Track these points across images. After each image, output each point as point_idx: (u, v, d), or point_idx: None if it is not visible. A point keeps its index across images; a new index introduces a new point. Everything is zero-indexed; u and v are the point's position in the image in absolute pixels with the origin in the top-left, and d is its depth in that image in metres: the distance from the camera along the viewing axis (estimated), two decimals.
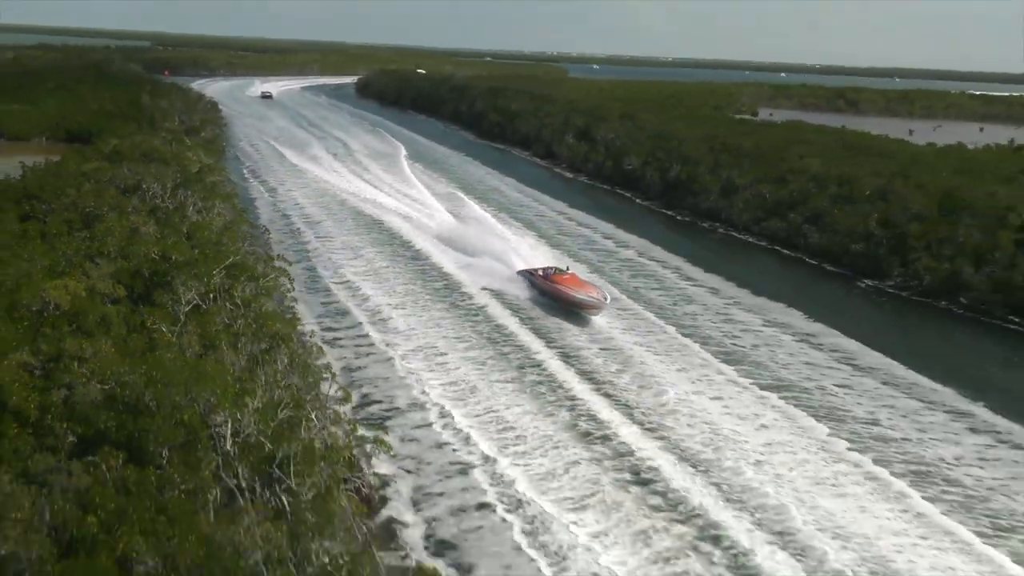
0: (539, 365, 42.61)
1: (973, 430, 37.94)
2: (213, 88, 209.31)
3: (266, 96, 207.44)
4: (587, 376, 41.65)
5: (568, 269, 53.58)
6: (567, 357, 44.00)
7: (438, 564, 25.56)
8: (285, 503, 22.88)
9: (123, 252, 42.31)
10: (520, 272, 54.43)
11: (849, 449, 35.47)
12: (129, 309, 35.64)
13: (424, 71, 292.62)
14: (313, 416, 29.34)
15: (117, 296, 36.59)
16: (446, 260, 60.14)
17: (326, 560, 19.83)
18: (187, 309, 35.50)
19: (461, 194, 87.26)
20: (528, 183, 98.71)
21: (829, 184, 73.21)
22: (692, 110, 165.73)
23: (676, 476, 31.95)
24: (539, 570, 26.09)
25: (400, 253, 62.90)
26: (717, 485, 31.66)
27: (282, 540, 20.42)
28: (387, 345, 44.07)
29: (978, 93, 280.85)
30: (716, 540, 28.25)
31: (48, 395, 27.75)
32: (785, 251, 70.84)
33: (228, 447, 25.11)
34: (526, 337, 46.44)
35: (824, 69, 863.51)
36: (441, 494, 30.28)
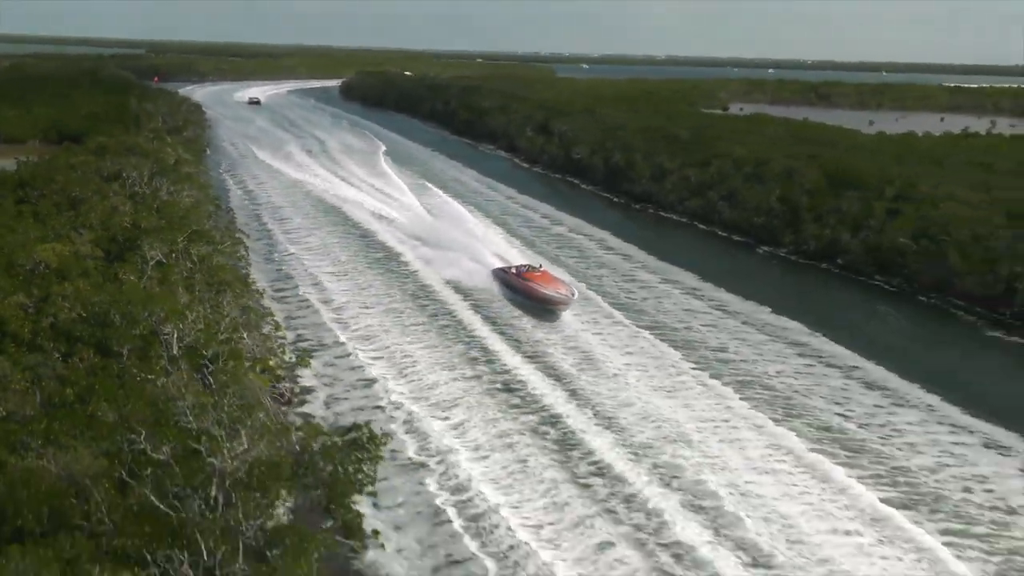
0: (449, 313, 51.44)
1: (801, 355, 46.53)
2: (201, 93, 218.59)
3: (254, 102, 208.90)
4: (476, 308, 51.01)
5: (540, 267, 55.92)
6: (468, 306, 52.79)
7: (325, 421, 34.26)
8: (212, 381, 31.52)
9: (103, 225, 51.07)
10: (495, 271, 56.46)
11: (693, 368, 44.03)
12: (105, 265, 44.32)
13: (410, 73, 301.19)
14: (246, 336, 38.05)
15: (96, 256, 45.29)
16: (389, 236, 68.79)
17: (234, 409, 28.39)
18: (152, 264, 44.15)
19: (424, 182, 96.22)
20: (487, 173, 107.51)
21: (746, 167, 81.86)
22: (662, 105, 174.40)
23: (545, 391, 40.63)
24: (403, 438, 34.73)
25: (350, 233, 71.75)
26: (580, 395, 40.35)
27: (206, 398, 29.06)
28: (322, 303, 52.75)
29: (951, 85, 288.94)
30: (554, 422, 36.93)
31: (39, 322, 36.47)
32: (702, 226, 79.71)
33: (175, 351, 33.76)
34: (437, 288, 55.43)
35: (816, 64, 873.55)
36: (347, 399, 38.97)
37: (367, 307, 52.23)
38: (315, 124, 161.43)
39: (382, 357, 43.95)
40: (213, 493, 23.51)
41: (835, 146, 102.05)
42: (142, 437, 24.34)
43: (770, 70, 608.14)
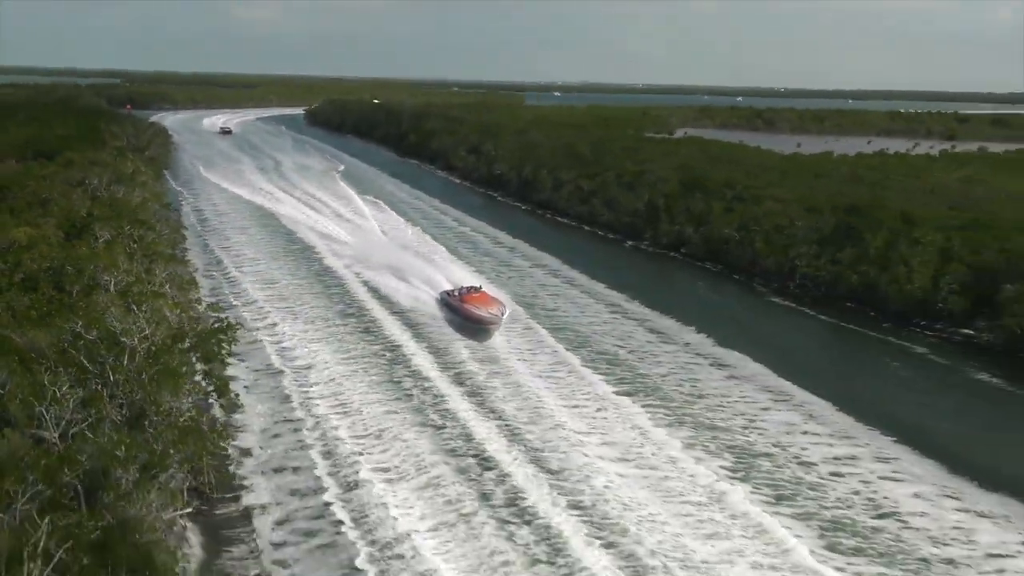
0: (345, 292, 65.30)
1: (613, 312, 60.37)
2: (171, 120, 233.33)
3: (225, 132, 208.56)
4: (366, 286, 64.54)
5: (480, 288, 58.26)
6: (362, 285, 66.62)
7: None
8: (135, 307, 45.18)
9: (65, 216, 64.79)
10: (440, 294, 58.92)
11: (542, 328, 56.95)
12: (64, 241, 58.03)
13: (378, 100, 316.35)
14: (168, 289, 51.84)
15: (57, 236, 59.01)
16: (313, 237, 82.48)
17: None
18: (102, 241, 57.88)
19: (365, 194, 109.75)
20: (420, 188, 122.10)
21: (625, 177, 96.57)
22: (607, 130, 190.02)
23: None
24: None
25: (279, 232, 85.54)
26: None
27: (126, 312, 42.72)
28: (246, 281, 66.51)
29: (891, 111, 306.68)
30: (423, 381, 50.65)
31: (12, 277, 50.13)
32: (586, 227, 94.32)
33: (111, 290, 47.45)
34: (341, 273, 69.23)
35: (788, 92, 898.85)
36: (256, 341, 52.63)
37: (274, 281, 66.02)
38: (274, 147, 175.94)
39: (286, 320, 57.15)
40: (125, 361, 37.18)
41: (737, 163, 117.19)
42: (79, 326, 37.96)
43: (739, 98, 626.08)
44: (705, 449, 37.69)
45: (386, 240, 79.43)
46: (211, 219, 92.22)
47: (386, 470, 35.19)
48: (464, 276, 66.10)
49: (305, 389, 43.87)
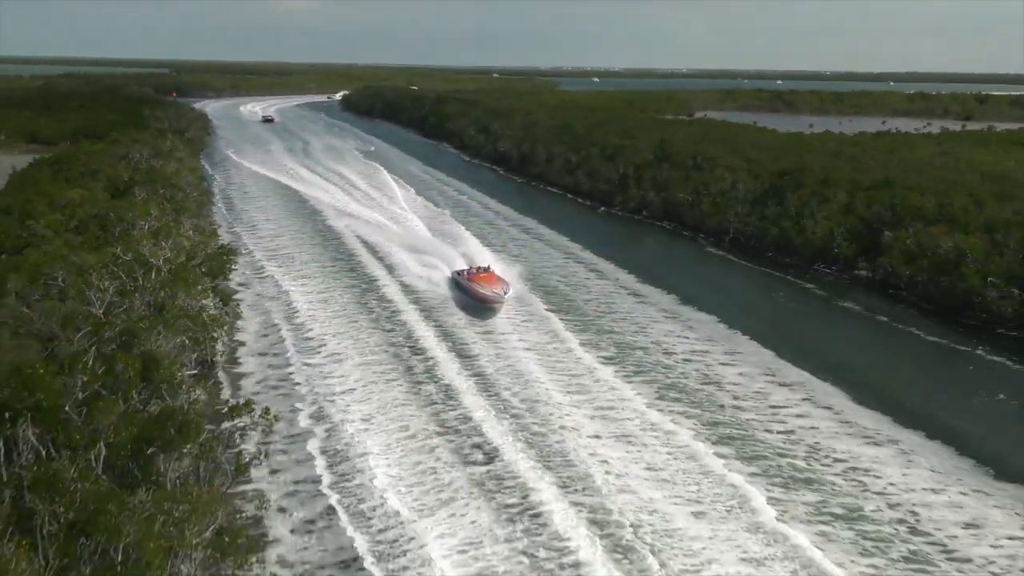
0: (344, 247, 77.83)
1: (573, 261, 71.94)
2: (212, 106, 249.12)
3: (267, 120, 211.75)
4: (384, 264, 76.95)
5: (488, 267, 61.04)
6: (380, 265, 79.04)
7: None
8: (164, 244, 58.17)
9: (110, 181, 78.31)
10: (453, 273, 61.87)
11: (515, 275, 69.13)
12: (109, 198, 71.40)
13: (415, 87, 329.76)
14: (191, 234, 64.85)
15: (104, 196, 72.44)
16: (330, 211, 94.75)
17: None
18: (139, 199, 71.12)
19: (378, 167, 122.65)
20: (431, 164, 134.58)
21: (609, 151, 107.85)
22: (625, 112, 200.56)
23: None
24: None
25: (295, 201, 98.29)
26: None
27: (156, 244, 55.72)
28: (254, 239, 79.35)
29: (911, 92, 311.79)
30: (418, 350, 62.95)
31: (68, 224, 63.50)
32: (570, 195, 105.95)
33: (144, 230, 60.52)
34: (349, 242, 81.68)
35: (834, 76, 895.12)
36: (261, 271, 65.43)
37: (286, 249, 78.78)
38: (306, 129, 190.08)
39: (295, 288, 69.66)
40: (152, 275, 50.03)
41: (733, 140, 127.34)
42: (118, 250, 50.87)
43: (779, 81, 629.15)
44: (622, 365, 47.14)
45: (392, 205, 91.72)
46: (236, 188, 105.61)
47: (339, 354, 47.66)
48: (450, 231, 78.55)
49: (295, 310, 56.44)
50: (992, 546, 29.82)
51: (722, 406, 41.23)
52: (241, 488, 31.96)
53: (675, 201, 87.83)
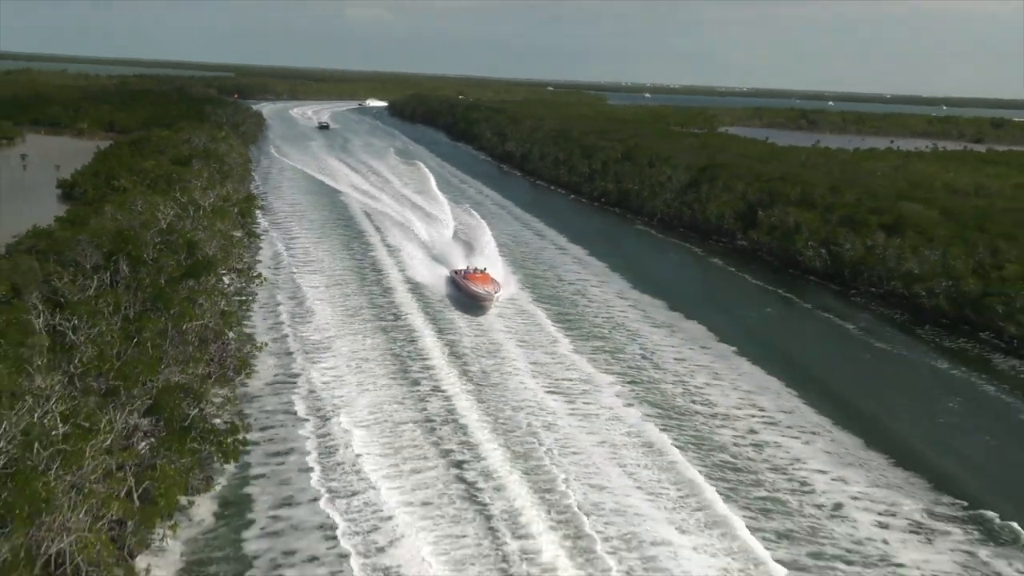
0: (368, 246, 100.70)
1: (542, 238, 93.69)
2: (269, 108, 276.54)
3: (323, 126, 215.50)
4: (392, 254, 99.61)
5: (484, 269, 64.94)
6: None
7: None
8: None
9: (174, 156, 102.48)
10: (451, 272, 66.57)
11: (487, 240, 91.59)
12: (175, 172, 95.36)
13: (463, 96, 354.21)
14: (233, 194, 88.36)
15: (170, 166, 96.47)
16: (354, 201, 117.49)
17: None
18: (195, 168, 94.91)
19: (412, 163, 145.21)
20: (448, 160, 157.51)
21: (590, 151, 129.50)
22: (651, 125, 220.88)
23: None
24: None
25: (321, 189, 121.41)
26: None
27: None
28: (278, 200, 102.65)
29: (932, 115, 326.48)
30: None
31: (143, 182, 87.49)
32: (552, 186, 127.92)
33: (197, 186, 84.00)
34: (359, 222, 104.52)
35: (895, 99, 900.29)
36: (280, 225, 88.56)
37: (303, 210, 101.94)
38: (350, 129, 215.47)
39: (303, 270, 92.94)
40: (200, 212, 73.18)
41: (722, 151, 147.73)
42: (177, 194, 74.19)
43: (830, 103, 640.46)
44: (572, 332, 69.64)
45: (405, 191, 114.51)
46: (275, 167, 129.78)
47: (326, 306, 70.14)
48: (445, 210, 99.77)
49: (303, 249, 79.16)
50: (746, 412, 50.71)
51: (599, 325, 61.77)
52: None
53: (625, 190, 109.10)
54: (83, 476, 25.42)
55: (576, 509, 32.75)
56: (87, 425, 27.99)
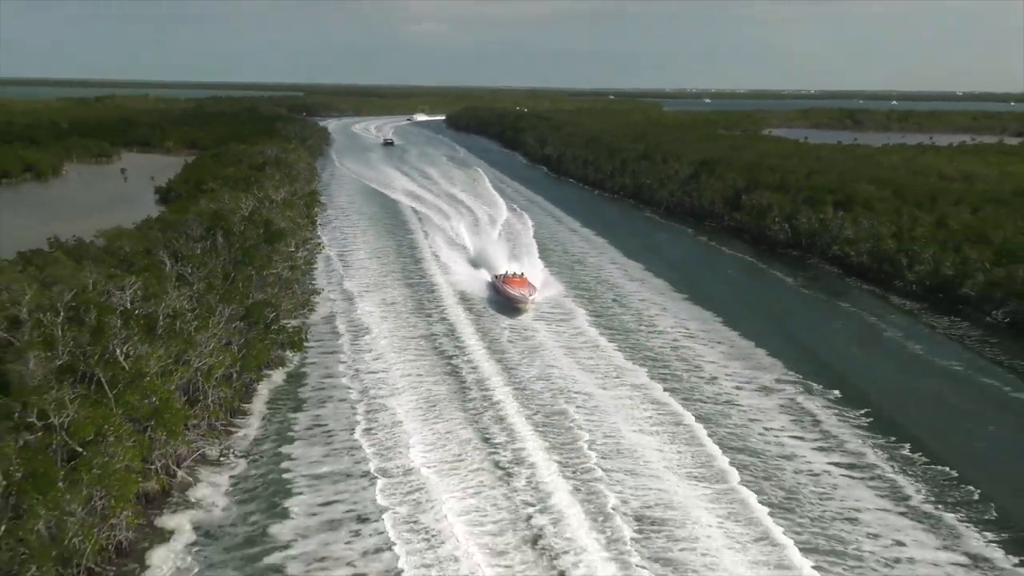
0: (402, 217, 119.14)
1: (562, 224, 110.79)
2: (334, 124, 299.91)
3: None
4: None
5: (522, 273, 68.66)
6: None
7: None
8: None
9: (251, 164, 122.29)
10: (492, 277, 70.66)
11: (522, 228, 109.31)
12: (252, 175, 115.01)
13: (520, 107, 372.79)
14: (299, 188, 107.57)
15: (247, 172, 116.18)
16: (404, 199, 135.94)
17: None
18: (268, 172, 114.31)
19: (457, 169, 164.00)
20: (492, 164, 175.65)
21: (615, 152, 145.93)
22: (697, 130, 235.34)
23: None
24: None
25: (374, 192, 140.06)
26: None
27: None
28: (339, 197, 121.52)
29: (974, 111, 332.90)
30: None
31: (226, 183, 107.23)
32: (580, 184, 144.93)
33: (269, 191, 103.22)
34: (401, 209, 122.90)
35: (967, 96, 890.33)
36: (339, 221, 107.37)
37: (360, 208, 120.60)
38: (409, 140, 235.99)
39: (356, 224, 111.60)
40: (274, 203, 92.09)
41: (746, 148, 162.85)
42: (256, 192, 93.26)
43: (893, 102, 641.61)
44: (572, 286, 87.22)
45: (453, 190, 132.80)
46: (338, 176, 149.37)
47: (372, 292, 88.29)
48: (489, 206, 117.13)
49: (351, 235, 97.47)
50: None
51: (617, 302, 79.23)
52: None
53: (639, 184, 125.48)
54: (209, 337, 43.31)
55: (575, 427, 41.91)
56: (207, 314, 46.04)
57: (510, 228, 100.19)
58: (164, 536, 32.47)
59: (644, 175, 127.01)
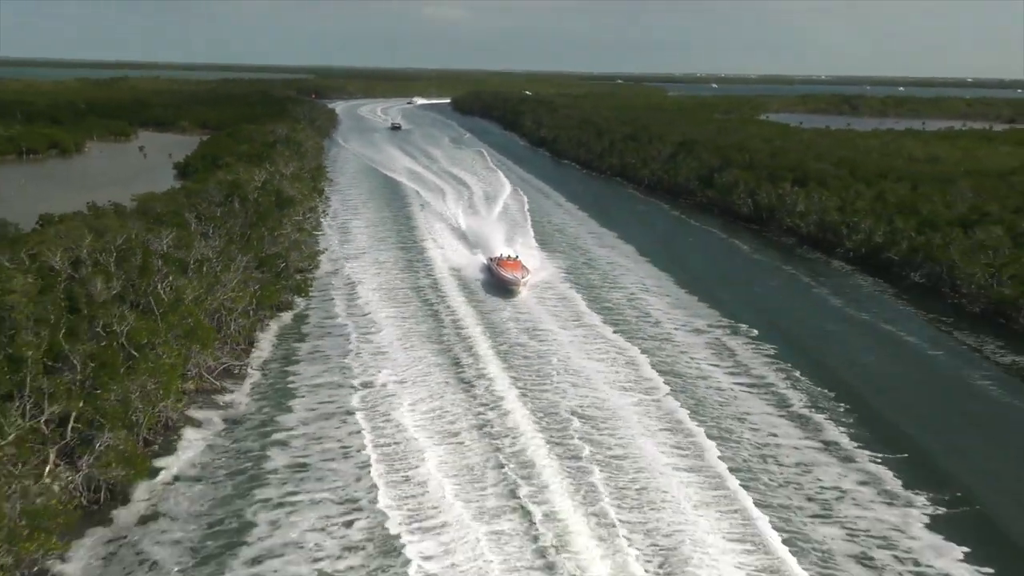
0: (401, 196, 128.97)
1: (550, 200, 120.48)
2: (342, 105, 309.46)
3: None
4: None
5: (516, 256, 72.00)
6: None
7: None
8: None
9: (263, 143, 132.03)
10: (486, 259, 73.56)
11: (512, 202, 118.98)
12: (264, 152, 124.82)
13: (529, 92, 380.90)
14: (307, 164, 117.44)
15: (258, 150, 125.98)
16: (406, 180, 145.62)
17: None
18: (278, 150, 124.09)
19: (457, 149, 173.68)
20: (489, 143, 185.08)
21: (603, 133, 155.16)
22: (697, 113, 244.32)
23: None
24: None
25: (376, 172, 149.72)
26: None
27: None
28: (340, 174, 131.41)
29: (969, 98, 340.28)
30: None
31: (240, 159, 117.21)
32: (572, 164, 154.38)
33: (280, 166, 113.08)
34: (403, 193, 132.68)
35: (976, 83, 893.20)
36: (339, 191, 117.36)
37: (360, 181, 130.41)
38: (413, 121, 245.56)
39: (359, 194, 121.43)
40: (282, 177, 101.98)
41: (734, 131, 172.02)
42: (267, 167, 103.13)
43: (900, 88, 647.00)
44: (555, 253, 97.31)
45: (453, 169, 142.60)
46: (342, 152, 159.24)
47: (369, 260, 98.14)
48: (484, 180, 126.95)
49: (351, 205, 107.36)
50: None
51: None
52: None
53: (624, 164, 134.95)
54: (231, 278, 53.19)
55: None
56: (229, 261, 55.95)
57: (500, 201, 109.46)
58: (198, 421, 42.25)
59: (629, 155, 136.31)
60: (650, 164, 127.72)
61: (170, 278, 48.78)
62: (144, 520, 33.36)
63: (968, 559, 31.86)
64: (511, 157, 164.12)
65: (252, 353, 51.63)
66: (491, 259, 71.83)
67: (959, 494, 36.29)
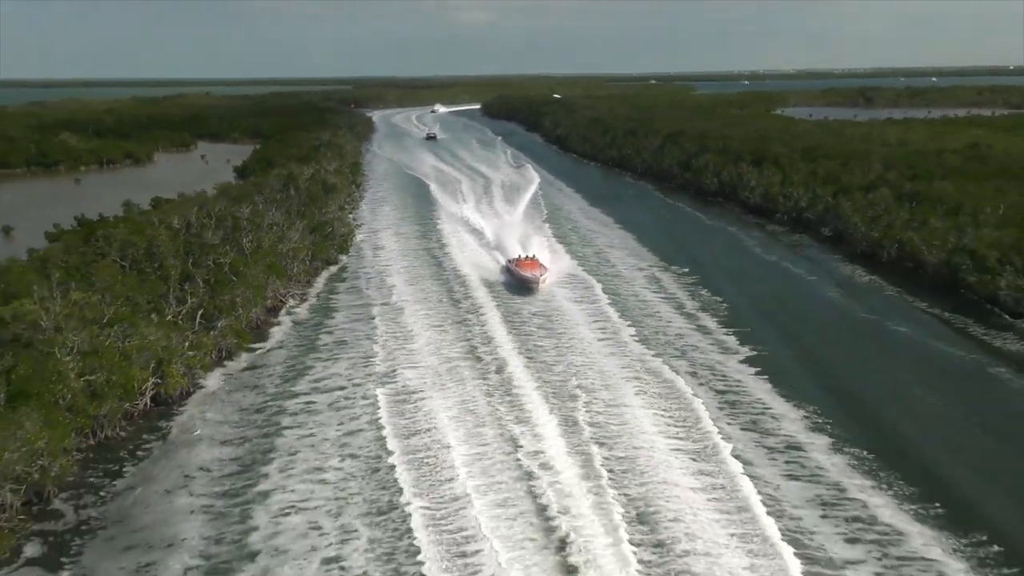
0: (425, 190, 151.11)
1: (553, 187, 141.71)
2: (379, 114, 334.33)
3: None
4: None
5: (533, 256, 75.47)
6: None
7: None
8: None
9: (306, 148, 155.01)
10: (506, 261, 76.74)
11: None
12: (311, 153, 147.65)
13: (558, 96, 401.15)
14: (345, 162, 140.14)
15: (302, 153, 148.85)
16: (434, 179, 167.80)
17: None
18: (321, 152, 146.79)
19: (483, 150, 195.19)
20: (511, 143, 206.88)
21: (608, 130, 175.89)
22: (715, 110, 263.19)
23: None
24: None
25: (405, 176, 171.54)
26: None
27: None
28: (375, 173, 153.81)
29: (980, 86, 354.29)
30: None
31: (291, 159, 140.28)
32: (580, 157, 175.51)
33: (323, 161, 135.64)
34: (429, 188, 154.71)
35: (1017, 70, 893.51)
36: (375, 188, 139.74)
37: (396, 182, 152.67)
38: (443, 126, 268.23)
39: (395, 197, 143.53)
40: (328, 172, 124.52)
41: (740, 124, 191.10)
42: (314, 165, 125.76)
43: (933, 79, 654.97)
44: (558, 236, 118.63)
45: (474, 164, 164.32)
46: (378, 156, 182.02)
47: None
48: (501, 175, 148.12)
49: (382, 194, 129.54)
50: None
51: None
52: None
53: (622, 155, 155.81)
54: (295, 233, 75.25)
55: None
56: (291, 224, 78.18)
57: (514, 186, 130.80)
58: (275, 324, 64.16)
59: (627, 147, 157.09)
60: (642, 154, 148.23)
61: (251, 234, 70.94)
62: (247, 369, 55.36)
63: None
64: (527, 152, 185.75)
65: (309, 290, 73.58)
66: (510, 261, 75.13)
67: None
